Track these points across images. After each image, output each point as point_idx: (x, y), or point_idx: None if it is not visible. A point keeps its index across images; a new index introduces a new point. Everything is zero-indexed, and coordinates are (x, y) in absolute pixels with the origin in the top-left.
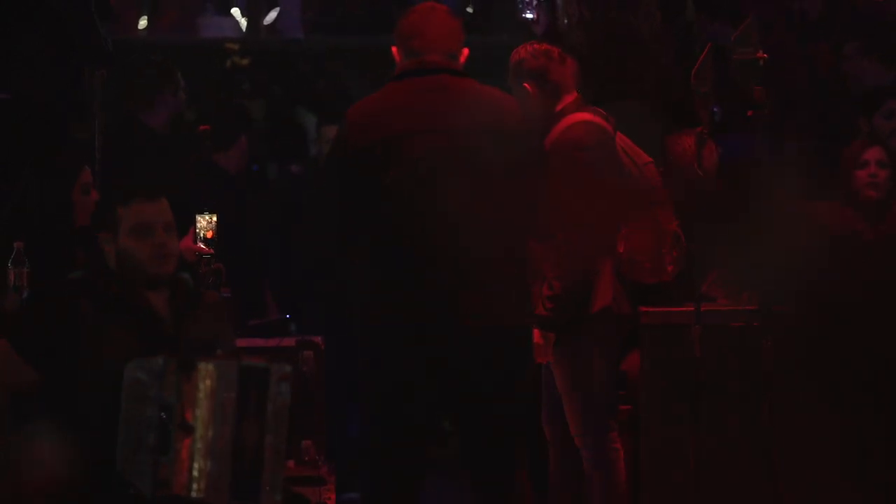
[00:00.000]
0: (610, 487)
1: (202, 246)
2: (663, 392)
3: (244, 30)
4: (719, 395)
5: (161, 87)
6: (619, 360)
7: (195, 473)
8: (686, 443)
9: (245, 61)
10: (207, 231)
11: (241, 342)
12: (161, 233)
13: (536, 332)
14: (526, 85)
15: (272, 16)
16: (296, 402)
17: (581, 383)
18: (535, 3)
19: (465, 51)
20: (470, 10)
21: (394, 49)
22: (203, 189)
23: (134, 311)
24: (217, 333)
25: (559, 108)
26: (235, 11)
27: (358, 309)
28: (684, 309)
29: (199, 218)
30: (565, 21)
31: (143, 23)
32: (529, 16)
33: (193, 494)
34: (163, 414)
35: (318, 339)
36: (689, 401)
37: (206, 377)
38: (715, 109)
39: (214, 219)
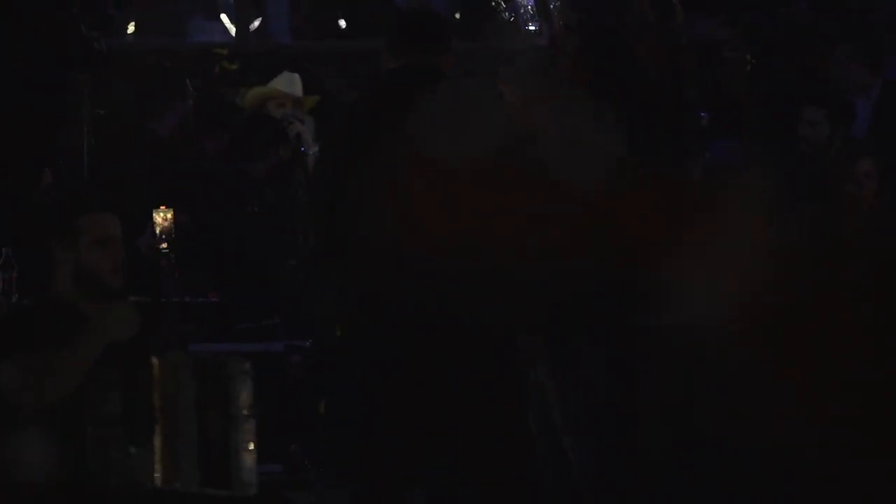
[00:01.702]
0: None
1: (163, 245)
2: (655, 397)
3: (233, 35)
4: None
5: (171, 95)
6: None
7: (163, 465)
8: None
9: (234, 66)
10: (165, 227)
11: (229, 346)
12: (119, 245)
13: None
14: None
15: (256, 23)
16: (283, 406)
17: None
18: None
19: (450, 56)
20: (458, 15)
21: (382, 52)
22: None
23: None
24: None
25: None
26: (224, 17)
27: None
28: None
29: (155, 215)
30: (560, 25)
31: (131, 27)
32: (532, 28)
33: (164, 485)
34: (127, 410)
35: (306, 343)
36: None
37: (164, 372)
38: (702, 114)
39: (170, 215)
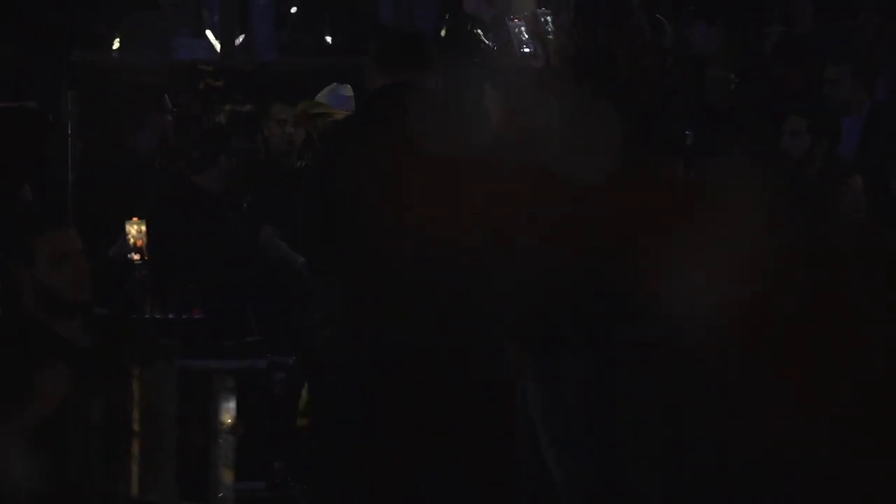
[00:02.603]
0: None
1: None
2: (638, 408)
3: (217, 51)
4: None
5: (149, 111)
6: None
7: (141, 476)
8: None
9: (218, 82)
10: (138, 239)
11: (215, 363)
12: (78, 260)
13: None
14: None
15: (240, 38)
16: (267, 423)
17: (558, 402)
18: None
19: (436, 71)
20: (443, 33)
21: (368, 69)
22: (184, 211)
23: (53, 342)
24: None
25: None
26: (209, 33)
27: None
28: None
29: (128, 226)
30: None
31: (116, 44)
32: (527, 50)
33: (143, 497)
34: (106, 424)
35: (290, 360)
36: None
37: (146, 382)
38: (687, 132)
39: (144, 227)
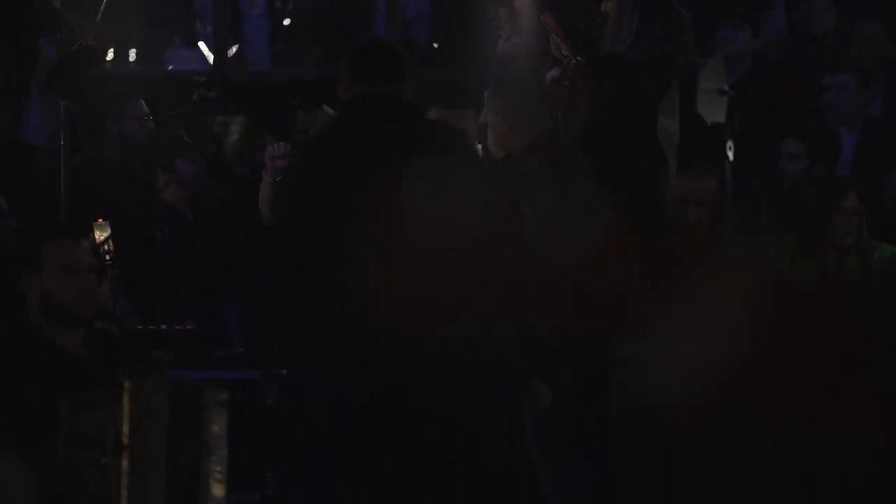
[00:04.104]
0: None
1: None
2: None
3: (211, 62)
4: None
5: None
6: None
7: (130, 489)
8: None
9: (212, 93)
10: (103, 240)
11: (207, 375)
12: (87, 275)
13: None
14: None
15: (233, 49)
16: (260, 434)
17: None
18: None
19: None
20: (436, 45)
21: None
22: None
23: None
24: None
25: None
26: (202, 44)
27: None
28: None
29: (94, 228)
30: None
31: (110, 55)
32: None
33: None
34: (98, 436)
35: (283, 371)
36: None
37: (137, 395)
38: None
39: (108, 231)
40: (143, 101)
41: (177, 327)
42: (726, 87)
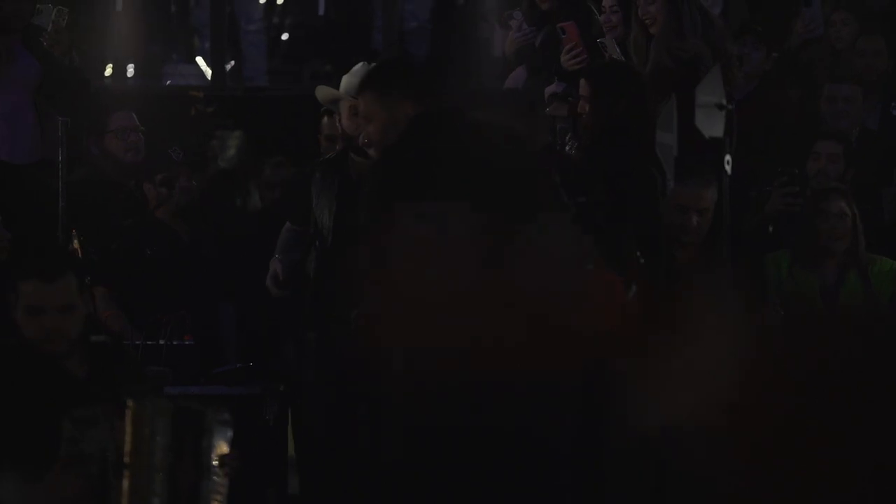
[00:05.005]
0: None
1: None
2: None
3: (208, 78)
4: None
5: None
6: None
7: None
8: None
9: (210, 109)
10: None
11: (205, 390)
12: (53, 315)
13: None
14: None
15: (230, 64)
16: (259, 449)
17: None
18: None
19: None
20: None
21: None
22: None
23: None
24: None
25: None
26: (199, 60)
27: None
28: None
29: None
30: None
31: (108, 70)
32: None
33: None
34: (99, 454)
35: (282, 387)
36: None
37: (139, 415)
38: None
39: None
40: (132, 115)
41: (175, 342)
42: (724, 102)
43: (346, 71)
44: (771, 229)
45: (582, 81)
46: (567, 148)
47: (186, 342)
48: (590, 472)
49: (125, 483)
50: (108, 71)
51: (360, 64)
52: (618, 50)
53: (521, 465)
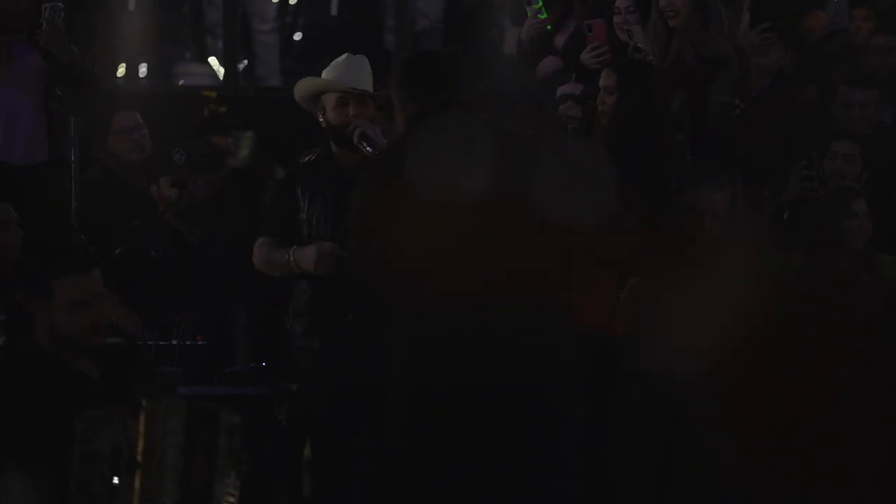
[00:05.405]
0: None
1: None
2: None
3: (221, 78)
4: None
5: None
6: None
7: None
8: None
9: (223, 109)
10: None
11: (217, 390)
12: (96, 306)
13: None
14: None
15: (243, 64)
16: (270, 449)
17: None
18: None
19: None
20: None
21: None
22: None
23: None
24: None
25: None
26: (212, 60)
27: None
28: None
29: None
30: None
31: (121, 70)
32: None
33: None
34: (112, 453)
35: (293, 387)
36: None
37: (153, 415)
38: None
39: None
40: (135, 114)
41: (187, 342)
42: (738, 101)
43: None
44: (786, 216)
45: (605, 73)
46: None
47: (198, 342)
48: (597, 459)
49: (137, 482)
50: (121, 71)
51: (343, 56)
52: (644, 40)
53: (528, 456)
